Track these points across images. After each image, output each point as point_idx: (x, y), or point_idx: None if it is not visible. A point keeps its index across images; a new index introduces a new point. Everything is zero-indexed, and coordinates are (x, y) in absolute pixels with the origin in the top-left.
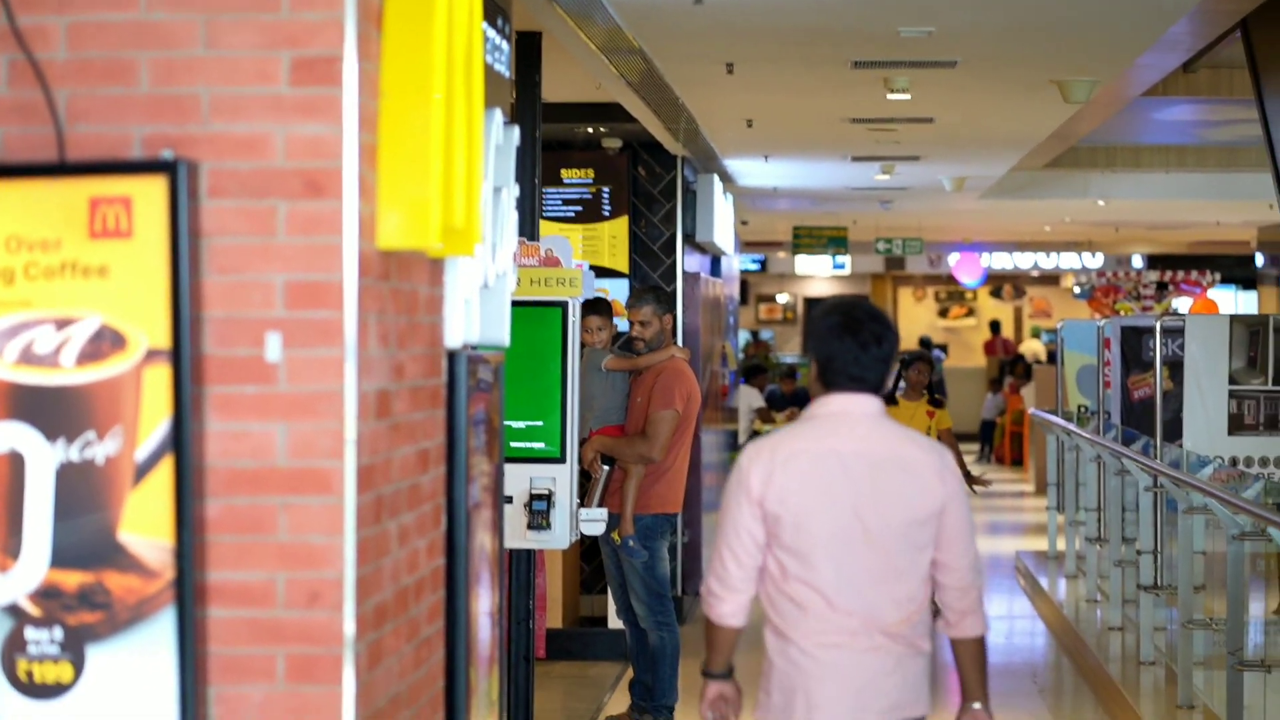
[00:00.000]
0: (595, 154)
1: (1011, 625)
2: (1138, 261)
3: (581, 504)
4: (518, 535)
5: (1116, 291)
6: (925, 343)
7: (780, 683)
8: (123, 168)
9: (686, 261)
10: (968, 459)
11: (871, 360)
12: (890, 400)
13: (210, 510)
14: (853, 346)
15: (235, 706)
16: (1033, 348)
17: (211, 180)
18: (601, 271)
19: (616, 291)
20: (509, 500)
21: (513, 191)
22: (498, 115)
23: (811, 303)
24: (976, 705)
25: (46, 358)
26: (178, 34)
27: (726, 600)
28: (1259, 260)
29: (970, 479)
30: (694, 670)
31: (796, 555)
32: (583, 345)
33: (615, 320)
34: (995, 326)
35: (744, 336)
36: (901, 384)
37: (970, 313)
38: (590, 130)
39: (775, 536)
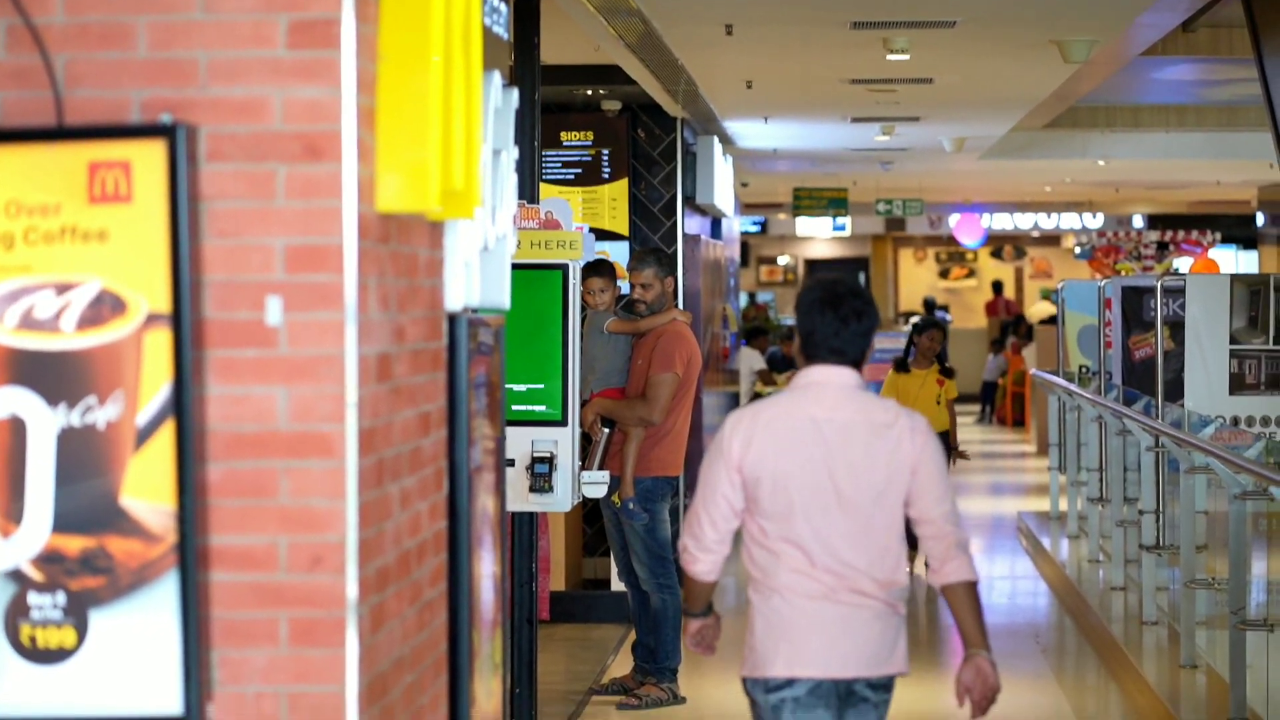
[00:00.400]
0: (594, 116)
1: (1014, 586)
2: (1138, 221)
3: (583, 466)
4: (520, 498)
5: (1117, 252)
6: (929, 304)
7: (764, 636)
8: (121, 132)
9: (687, 224)
10: (968, 420)
11: (851, 335)
12: (902, 368)
13: (212, 474)
14: (833, 321)
15: (238, 670)
16: (1045, 309)
17: (210, 144)
18: (602, 234)
19: (617, 254)
20: (511, 463)
21: (512, 154)
22: (496, 78)
23: (812, 264)
24: (979, 654)
25: (47, 322)
26: None
27: (701, 560)
28: (1259, 220)
29: (953, 452)
30: None
31: (775, 517)
32: (585, 308)
33: (618, 283)
34: (998, 287)
35: (744, 298)
36: (913, 351)
37: (971, 274)
38: (589, 92)
39: (755, 501)
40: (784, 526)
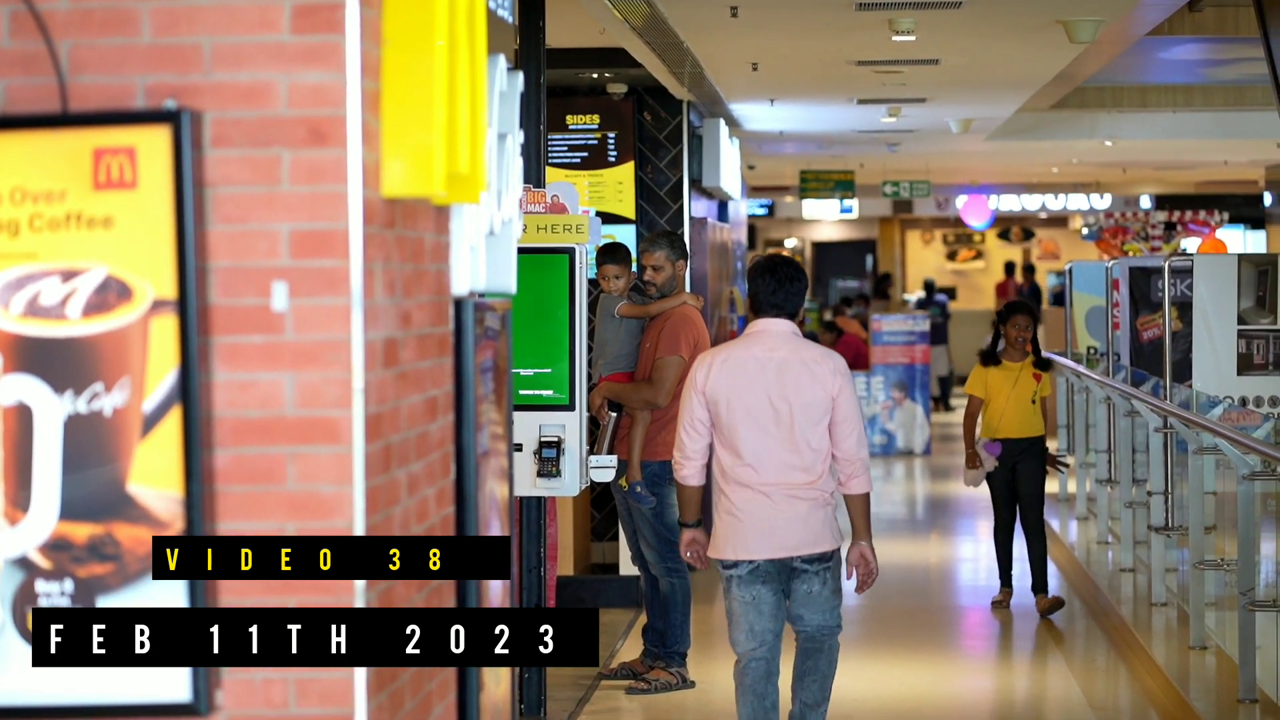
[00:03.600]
0: (600, 100)
1: (1023, 568)
2: (1146, 202)
3: (591, 451)
4: (527, 483)
5: (1124, 232)
6: (929, 286)
7: (719, 527)
8: (126, 118)
9: (693, 206)
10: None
11: (786, 294)
12: (990, 359)
13: (219, 461)
14: (772, 283)
15: None
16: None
17: (215, 130)
18: (608, 217)
19: (624, 237)
20: (519, 448)
21: (517, 138)
22: (501, 61)
23: (819, 246)
24: (863, 543)
25: (53, 309)
26: None
27: (686, 465)
28: (1267, 199)
29: (1053, 461)
30: (706, 617)
31: (729, 432)
32: (596, 290)
33: (633, 269)
34: (1009, 268)
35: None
36: (1001, 342)
37: (978, 255)
38: (595, 76)
39: (716, 420)
40: (735, 439)
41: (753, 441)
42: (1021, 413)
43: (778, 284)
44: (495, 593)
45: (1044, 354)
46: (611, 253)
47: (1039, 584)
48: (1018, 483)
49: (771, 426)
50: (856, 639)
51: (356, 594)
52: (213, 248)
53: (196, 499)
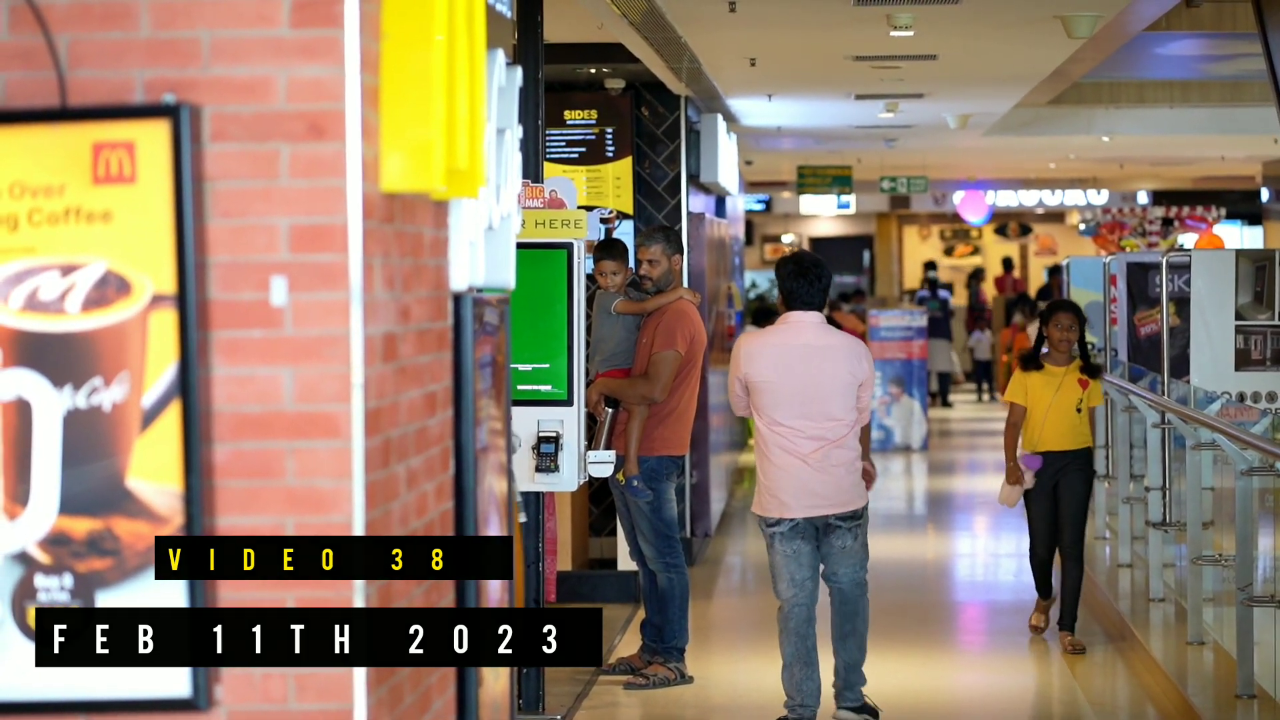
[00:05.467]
0: (598, 95)
1: (1020, 563)
2: (1143, 198)
3: (589, 446)
4: (526, 478)
5: (1122, 228)
6: (934, 282)
7: (763, 489)
8: (125, 112)
9: (691, 202)
10: (969, 398)
11: (816, 290)
12: (1031, 364)
13: (218, 455)
14: (805, 284)
15: None
16: None
17: (214, 124)
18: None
19: (621, 233)
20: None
21: (516, 133)
22: (500, 56)
23: (817, 242)
24: (865, 463)
25: (52, 304)
26: None
27: (739, 408)
28: (1264, 195)
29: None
30: (704, 612)
31: (768, 409)
32: (593, 286)
33: (630, 265)
34: (1008, 264)
35: (750, 277)
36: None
37: (976, 251)
38: (593, 71)
39: (755, 397)
40: (774, 414)
41: (787, 416)
42: (1065, 422)
43: (809, 284)
44: (494, 589)
45: (1093, 359)
46: (608, 249)
47: (1068, 620)
48: (1059, 501)
49: (803, 403)
50: None
51: (355, 588)
52: (212, 242)
53: (196, 494)
